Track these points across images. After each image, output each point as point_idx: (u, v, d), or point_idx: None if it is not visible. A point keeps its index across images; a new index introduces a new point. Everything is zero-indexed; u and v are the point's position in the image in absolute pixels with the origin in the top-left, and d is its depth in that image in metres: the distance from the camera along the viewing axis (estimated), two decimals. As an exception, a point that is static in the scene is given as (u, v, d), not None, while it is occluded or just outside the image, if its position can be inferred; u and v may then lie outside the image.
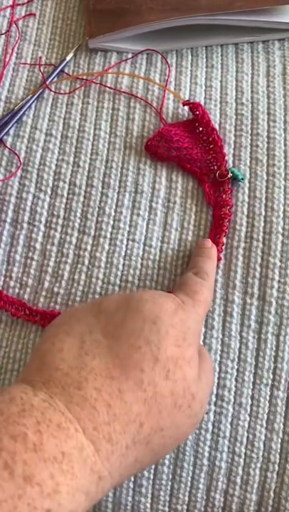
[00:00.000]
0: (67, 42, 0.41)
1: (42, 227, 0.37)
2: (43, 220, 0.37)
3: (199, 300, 0.29)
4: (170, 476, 0.33)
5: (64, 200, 0.37)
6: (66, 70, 0.40)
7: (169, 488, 0.33)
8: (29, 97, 0.39)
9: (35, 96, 0.39)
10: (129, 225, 0.36)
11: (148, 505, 0.34)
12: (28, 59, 0.41)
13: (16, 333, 0.35)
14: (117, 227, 0.36)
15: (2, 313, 0.35)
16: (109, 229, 0.36)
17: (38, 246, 0.36)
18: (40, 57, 0.41)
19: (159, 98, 0.39)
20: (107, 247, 0.36)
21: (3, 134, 0.38)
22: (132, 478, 0.33)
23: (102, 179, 0.37)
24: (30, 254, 0.36)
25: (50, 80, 0.39)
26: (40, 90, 0.39)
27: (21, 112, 0.39)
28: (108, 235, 0.36)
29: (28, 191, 0.37)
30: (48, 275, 0.36)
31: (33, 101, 0.39)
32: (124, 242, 0.36)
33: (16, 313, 0.34)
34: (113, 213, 0.37)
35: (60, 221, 0.37)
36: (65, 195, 0.37)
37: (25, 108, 0.39)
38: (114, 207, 0.37)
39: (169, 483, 0.33)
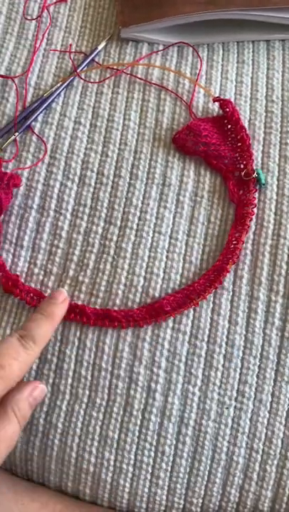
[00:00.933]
0: (98, 30, 0.41)
1: (68, 216, 0.36)
2: (70, 208, 0.37)
3: (0, 377, 0.27)
4: (187, 469, 0.33)
5: (91, 190, 0.37)
6: (96, 59, 0.40)
7: (185, 481, 0.34)
8: (59, 85, 0.39)
9: (65, 84, 0.39)
10: (156, 217, 0.36)
11: (164, 497, 0.34)
12: (58, 45, 0.41)
13: (39, 320, 0.35)
14: (143, 219, 0.36)
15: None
16: (136, 220, 0.36)
17: (63, 234, 0.36)
18: (71, 45, 0.40)
19: (190, 91, 0.39)
20: (133, 238, 0.36)
21: (31, 120, 0.38)
22: (150, 470, 0.33)
23: (130, 170, 0.37)
24: (55, 242, 0.36)
25: (81, 68, 0.39)
26: (71, 78, 0.39)
27: (50, 99, 0.38)
28: (134, 226, 0.36)
29: (56, 179, 0.37)
30: (73, 264, 0.35)
31: (63, 88, 0.39)
32: (150, 234, 0.36)
33: (30, 301, 0.34)
34: (140, 205, 0.36)
35: (87, 210, 0.36)
36: (93, 184, 0.37)
37: (54, 95, 0.38)
38: (141, 198, 0.36)
39: (186, 476, 0.34)
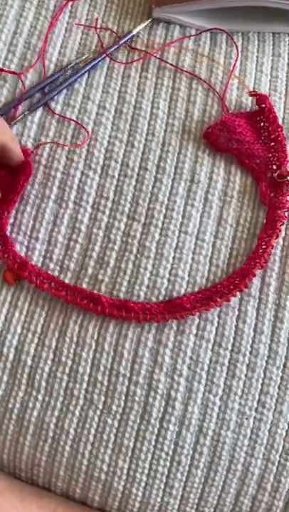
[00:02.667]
0: (126, 7, 0.38)
1: (89, 209, 0.34)
2: (91, 200, 0.34)
3: None
4: (202, 480, 0.32)
5: (114, 182, 0.34)
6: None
7: (199, 491, 0.33)
8: (84, 63, 0.36)
9: (91, 64, 0.35)
10: (182, 215, 0.34)
11: (176, 506, 0.33)
12: (82, 20, 0.37)
13: (54, 319, 0.32)
14: (169, 217, 0.34)
15: (39, 297, 0.33)
16: (161, 218, 0.34)
17: (83, 228, 0.34)
18: (97, 19, 0.37)
19: (223, 83, 0.37)
20: (157, 236, 0.34)
21: (49, 97, 0.34)
22: (164, 480, 0.32)
23: (157, 163, 0.35)
24: (74, 236, 0.33)
25: (111, 50, 0.36)
26: (99, 59, 0.36)
27: (72, 79, 0.35)
28: (159, 224, 0.34)
29: (77, 168, 0.34)
30: (93, 261, 0.33)
31: (88, 69, 0.36)
32: (176, 233, 0.34)
33: (41, 285, 0.32)
34: (166, 201, 0.34)
35: (109, 204, 0.34)
36: (116, 176, 0.34)
37: (78, 75, 0.35)
38: (167, 194, 0.34)
39: (201, 486, 0.33)
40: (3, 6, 0.37)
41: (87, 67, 0.35)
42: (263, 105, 0.35)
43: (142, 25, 0.37)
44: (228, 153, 0.35)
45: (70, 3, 0.37)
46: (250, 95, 0.36)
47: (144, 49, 0.37)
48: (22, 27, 0.36)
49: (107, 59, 0.36)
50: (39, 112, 0.35)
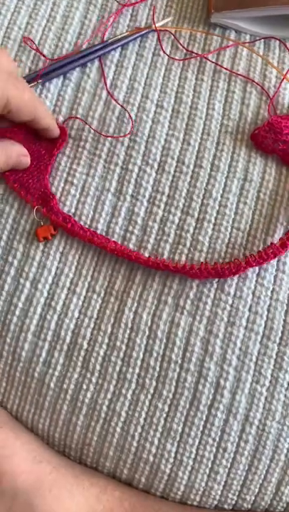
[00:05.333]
0: (185, 12, 0.40)
1: (145, 202, 0.35)
2: (147, 195, 0.36)
3: None
4: (246, 467, 0.34)
5: (170, 178, 0.36)
6: (181, 41, 0.39)
7: (242, 478, 0.34)
8: (127, 34, 0.37)
9: (140, 34, 0.38)
10: (235, 212, 0.35)
11: (219, 492, 0.34)
12: (142, 23, 0.39)
13: (110, 306, 0.34)
14: (222, 213, 0.35)
15: (96, 284, 0.34)
16: (214, 214, 0.35)
17: (139, 221, 0.35)
18: (154, 16, 0.39)
19: (275, 87, 0.38)
20: (210, 231, 0.35)
21: (102, 52, 0.37)
22: (210, 465, 0.33)
23: (211, 161, 0.36)
24: (130, 228, 0.35)
25: (159, 24, 0.38)
26: (145, 32, 0.38)
27: (121, 43, 0.38)
28: (212, 220, 0.35)
29: (135, 163, 0.36)
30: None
31: (136, 38, 0.38)
32: (229, 229, 0.35)
33: (84, 234, 0.34)
34: (219, 198, 0.36)
35: (164, 198, 0.36)
36: (172, 172, 0.36)
37: (127, 40, 0.38)
38: (221, 191, 0.36)
39: (244, 473, 0.34)
40: (68, 7, 0.39)
41: (134, 36, 0.38)
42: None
43: (168, 19, 0.39)
44: (275, 155, 0.36)
45: (131, 8, 0.39)
46: (302, 97, 0.37)
47: (200, 52, 0.38)
48: (86, 29, 0.38)
49: (164, 62, 0.38)
50: (100, 108, 0.37)
